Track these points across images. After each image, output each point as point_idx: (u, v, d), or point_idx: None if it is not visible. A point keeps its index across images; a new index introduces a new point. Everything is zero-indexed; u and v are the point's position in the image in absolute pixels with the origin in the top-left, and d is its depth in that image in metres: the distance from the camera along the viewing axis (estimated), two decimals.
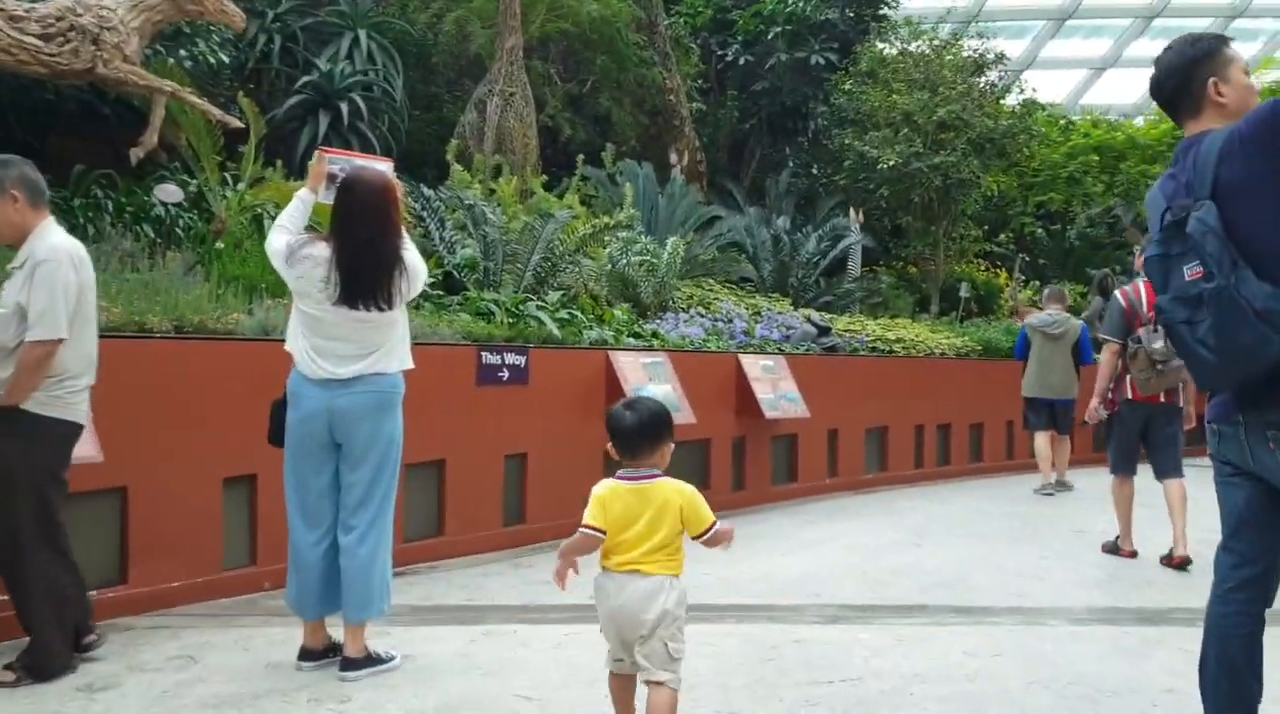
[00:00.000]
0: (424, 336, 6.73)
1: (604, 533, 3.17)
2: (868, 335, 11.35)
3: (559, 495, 7.30)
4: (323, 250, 4.12)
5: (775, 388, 8.95)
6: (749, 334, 10.13)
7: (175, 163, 8.41)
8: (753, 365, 8.87)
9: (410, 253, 4.24)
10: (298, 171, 9.28)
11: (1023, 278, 16.17)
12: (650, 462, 3.24)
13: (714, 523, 3.22)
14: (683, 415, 7.88)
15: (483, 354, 6.86)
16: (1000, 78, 14.33)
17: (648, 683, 3.19)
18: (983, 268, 16.41)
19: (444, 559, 6.54)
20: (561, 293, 8.93)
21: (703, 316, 10.47)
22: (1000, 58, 14.33)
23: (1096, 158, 19.90)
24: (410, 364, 4.42)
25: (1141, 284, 7.37)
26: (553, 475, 7.24)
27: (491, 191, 10.23)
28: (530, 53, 13.38)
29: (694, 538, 3.20)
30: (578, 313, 8.63)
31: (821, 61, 15.47)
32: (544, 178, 10.49)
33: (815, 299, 12.91)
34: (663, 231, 11.23)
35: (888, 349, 11.34)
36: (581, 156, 10.53)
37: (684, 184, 12.63)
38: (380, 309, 4.14)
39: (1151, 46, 29.53)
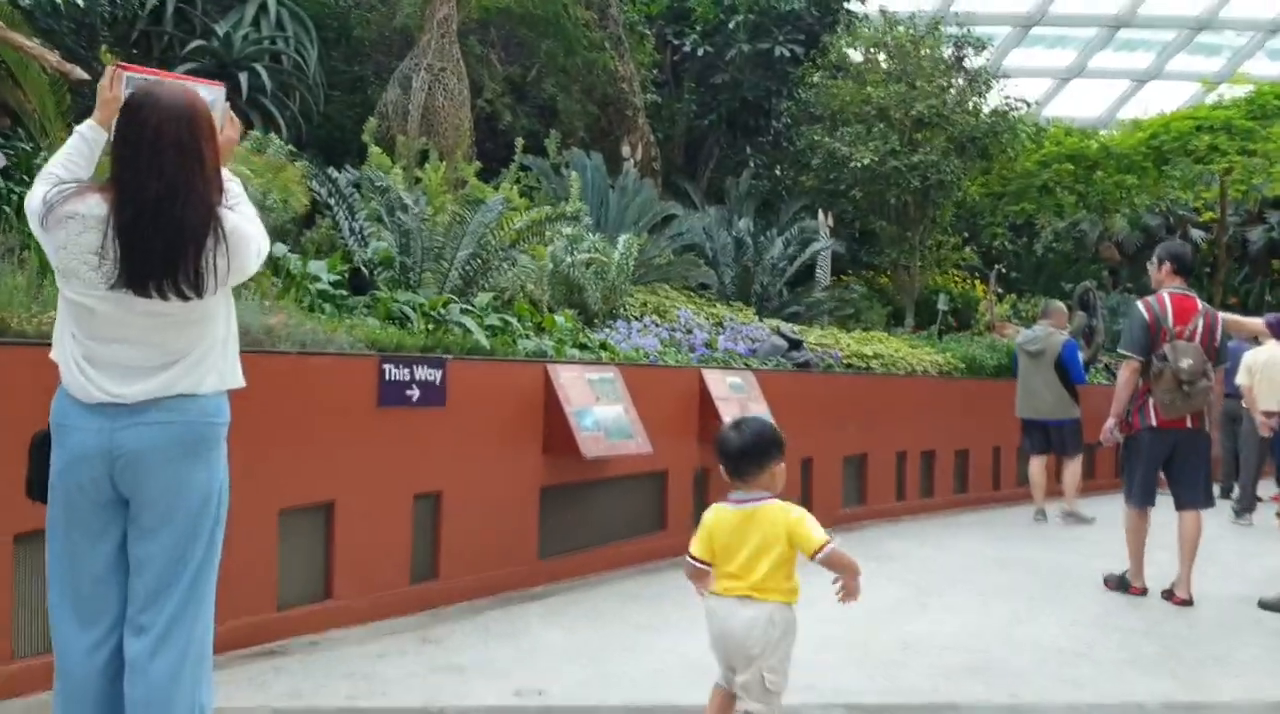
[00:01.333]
0: (316, 345, 5.31)
1: (707, 564, 3.17)
2: (842, 350, 10.07)
3: (483, 544, 5.88)
4: (96, 206, 2.70)
5: (744, 409, 7.59)
6: (710, 347, 8.80)
7: (20, 128, 6.89)
8: (719, 383, 7.54)
9: (235, 214, 2.83)
10: None
11: (999, 291, 15.03)
12: (759, 484, 3.20)
13: (826, 543, 3.11)
14: (636, 443, 6.51)
15: (386, 368, 5.43)
16: (985, 63, 13.15)
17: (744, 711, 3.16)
18: (958, 279, 15.24)
19: (332, 629, 5.10)
20: (494, 295, 7.53)
21: (658, 326, 9.12)
22: (982, 45, 13.17)
23: (1071, 167, 18.92)
24: (238, 381, 3.00)
25: (1167, 296, 6.45)
26: (476, 519, 5.83)
27: (417, 180, 8.82)
28: (468, 33, 11.99)
29: (810, 558, 3.11)
30: (512, 319, 7.23)
31: (786, 54, 14.23)
32: (478, 166, 9.09)
33: (781, 309, 11.62)
34: (613, 230, 9.88)
35: (864, 366, 10.07)
36: (521, 140, 9.14)
37: (638, 178, 11.28)
38: (183, 297, 2.72)
39: (1116, 58, 28.90)
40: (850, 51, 13.54)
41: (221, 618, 4.75)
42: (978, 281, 15.45)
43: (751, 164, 14.59)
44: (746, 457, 3.20)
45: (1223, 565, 7.44)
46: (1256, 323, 6.54)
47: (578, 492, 6.50)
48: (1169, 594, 6.37)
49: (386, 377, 5.42)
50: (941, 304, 12.70)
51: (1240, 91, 20.21)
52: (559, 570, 6.32)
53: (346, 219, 7.79)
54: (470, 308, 6.91)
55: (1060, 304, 10.62)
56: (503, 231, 7.84)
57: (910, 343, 11.34)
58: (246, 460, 4.85)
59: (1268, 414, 10.19)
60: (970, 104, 12.95)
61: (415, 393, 5.55)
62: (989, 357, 11.46)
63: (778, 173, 14.74)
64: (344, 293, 6.90)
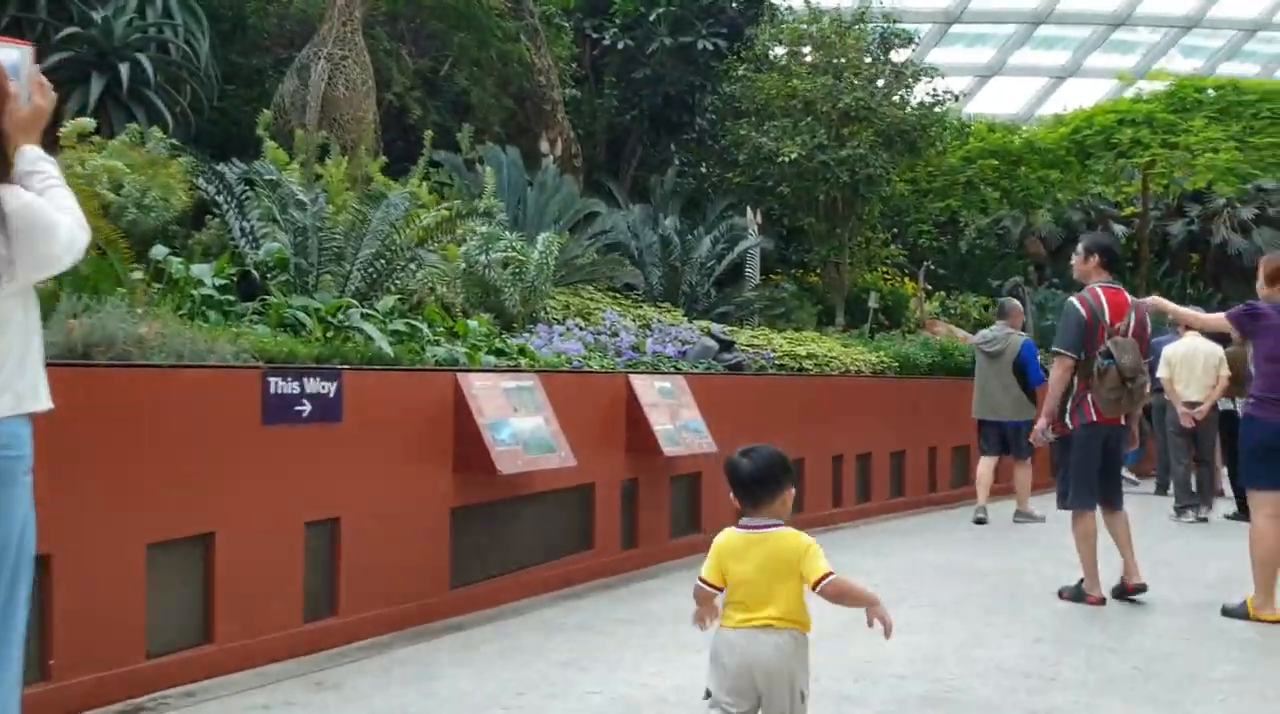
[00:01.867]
0: (195, 356, 4.68)
1: (719, 589, 3.11)
2: (774, 351, 9.64)
3: (387, 574, 5.29)
4: None
5: (675, 416, 7.11)
6: (638, 350, 8.28)
7: None
8: (647, 388, 7.02)
9: (29, 194, 2.22)
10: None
11: (928, 287, 14.76)
12: (771, 510, 3.14)
13: (829, 574, 3.03)
14: (559, 456, 5.96)
15: (271, 381, 4.81)
16: (911, 56, 12.83)
17: None
18: (888, 276, 14.94)
19: (213, 678, 4.46)
20: (399, 299, 6.92)
21: (582, 329, 8.57)
22: (909, 38, 12.86)
23: (995, 162, 18.82)
24: (41, 403, 2.39)
25: (1100, 289, 6.21)
26: (378, 547, 5.23)
27: (318, 177, 8.16)
28: (376, 24, 11.33)
29: (812, 588, 3.04)
30: (421, 325, 6.63)
31: (709, 48, 13.80)
32: (384, 161, 8.46)
33: (711, 309, 11.16)
34: (532, 229, 9.32)
35: (797, 367, 9.65)
36: (430, 132, 8.53)
37: (558, 174, 10.72)
38: None
39: (1034, 55, 29.09)
40: (775, 45, 13.15)
41: (77, 670, 4.14)
42: (907, 279, 15.17)
43: (676, 161, 14.13)
44: (759, 484, 3.13)
45: (1176, 569, 7.13)
46: (1215, 318, 6.21)
47: (494, 511, 5.93)
48: (1122, 590, 6.23)
49: (272, 390, 4.81)
50: (872, 302, 12.35)
51: (1157, 86, 20.31)
52: (473, 600, 5.74)
53: (237, 218, 7.12)
54: (372, 313, 6.30)
55: (1016, 303, 10.42)
56: (409, 230, 7.23)
57: (843, 342, 10.95)
58: (108, 489, 4.23)
59: (1189, 405, 10.04)
60: (898, 97, 12.63)
61: (306, 408, 4.94)
62: (922, 355, 11.13)
63: (704, 170, 14.30)
64: (231, 298, 6.24)
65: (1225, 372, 10.01)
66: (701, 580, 3.13)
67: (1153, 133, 18.43)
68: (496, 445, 5.58)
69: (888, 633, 3.04)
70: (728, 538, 3.15)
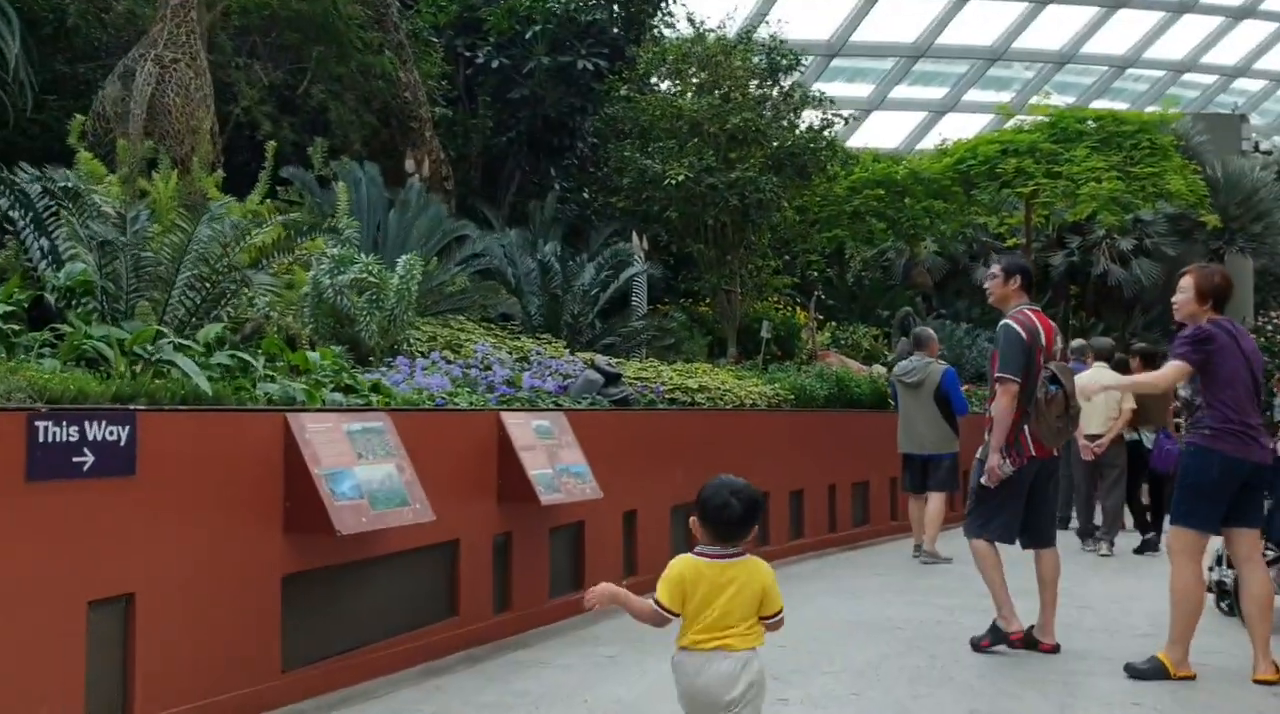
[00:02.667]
0: None
1: (677, 615, 3.19)
2: (664, 384, 8.88)
3: (199, 659, 4.30)
4: None
5: (554, 458, 6.25)
6: (514, 385, 7.42)
7: None
8: (521, 428, 6.15)
9: None
10: None
11: (819, 317, 14.24)
12: (739, 543, 3.22)
13: (781, 609, 3.26)
14: (413, 510, 5.04)
15: (38, 426, 3.82)
16: (799, 78, 12.31)
17: None
18: (779, 306, 14.36)
19: None
20: (225, 327, 5.93)
21: (450, 363, 7.68)
22: (796, 62, 12.36)
23: (881, 192, 18.53)
24: None
25: (1029, 312, 5.86)
26: (187, 628, 4.24)
27: (144, 193, 7.14)
28: (224, 35, 10.33)
29: (762, 618, 3.21)
30: (253, 358, 5.66)
31: (589, 68, 13.09)
32: (221, 176, 7.47)
33: (595, 341, 10.36)
34: (394, 253, 8.40)
35: (689, 400, 8.91)
36: (273, 143, 7.55)
37: (424, 192, 9.81)
38: None
39: (912, 90, 29.35)
40: (659, 65, 12.51)
41: None
42: (799, 308, 14.62)
43: (557, 186, 13.34)
44: (743, 524, 3.23)
45: (1102, 615, 6.54)
46: (1172, 372, 5.33)
47: (335, 577, 4.97)
48: (1030, 641, 5.74)
49: (40, 438, 3.81)
50: (764, 332, 11.72)
51: (1038, 119, 20.36)
52: (311, 684, 4.76)
53: (35, 236, 6.07)
54: (189, 344, 5.31)
55: (930, 332, 9.99)
56: (238, 248, 6.26)
57: (736, 374, 10.27)
58: None
59: (1090, 437, 9.71)
60: (786, 120, 12.10)
61: (88, 459, 3.95)
62: (819, 386, 10.52)
63: (586, 196, 13.53)
64: (16, 328, 5.20)
65: (1129, 405, 9.67)
66: (660, 605, 3.21)
67: (1036, 163, 18.37)
68: (335, 500, 4.65)
69: (772, 629, 3.27)
70: (691, 565, 3.21)
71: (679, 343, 11.46)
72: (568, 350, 9.37)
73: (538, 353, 8.68)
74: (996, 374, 5.77)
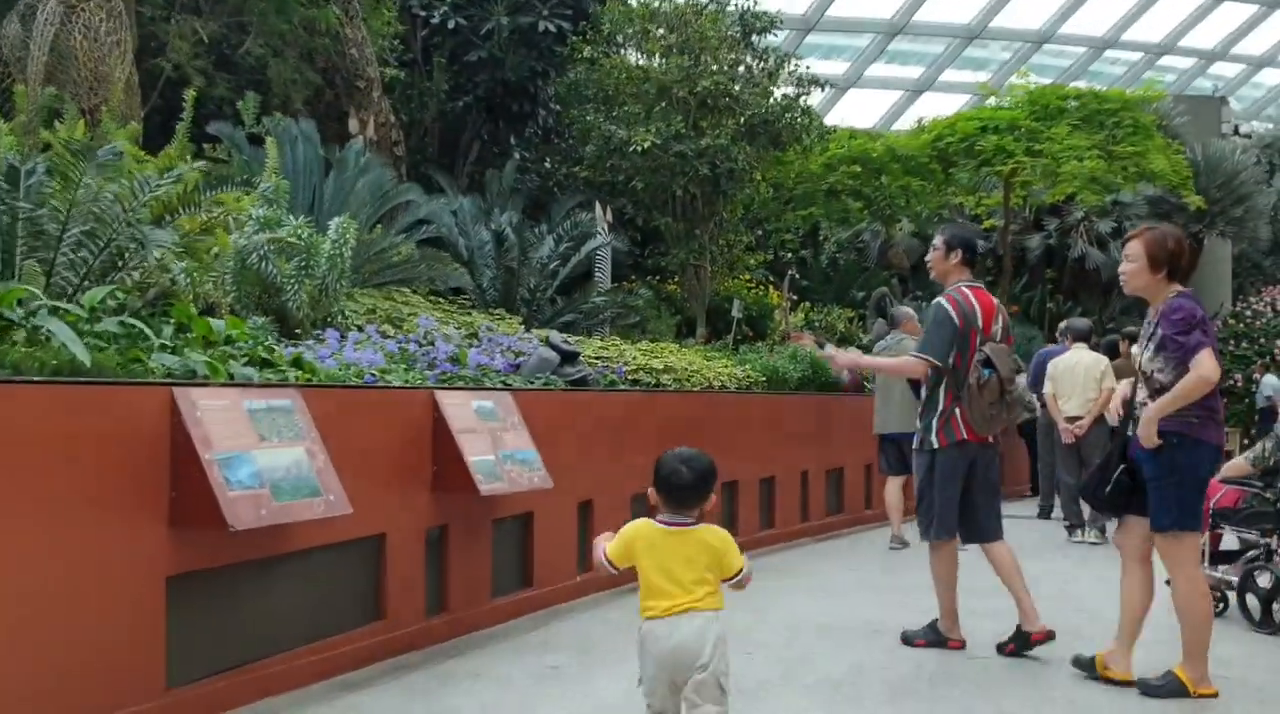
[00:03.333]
0: None
1: (618, 570, 3.41)
2: (627, 364, 8.23)
3: (63, 676, 3.60)
4: None
5: (498, 443, 5.57)
6: (458, 362, 6.73)
7: None
8: (460, 409, 5.47)
9: None
10: None
11: (793, 297, 13.61)
12: (695, 512, 3.33)
13: (743, 568, 3.36)
14: (324, 501, 4.36)
15: None
16: (775, 43, 11.62)
17: None
18: (751, 285, 13.71)
19: None
20: (122, 291, 5.22)
21: (387, 338, 6.99)
22: (773, 23, 11.68)
23: (858, 168, 17.91)
24: None
25: (968, 290, 5.44)
26: (44, 641, 3.55)
27: (46, 147, 6.38)
28: None
29: (724, 581, 3.32)
30: (147, 326, 4.94)
31: (552, 29, 12.35)
32: (135, 129, 6.74)
33: (554, 318, 9.69)
34: (329, 217, 7.67)
35: (654, 382, 8.26)
36: (192, 92, 6.79)
37: (367, 153, 9.05)
38: None
39: (889, 69, 28.75)
40: (625, 25, 11.78)
41: None
42: (771, 287, 13.99)
43: (517, 155, 12.61)
44: (694, 490, 3.32)
45: (1098, 616, 5.93)
46: (1208, 370, 4.59)
47: (232, 578, 4.28)
48: (1024, 641, 5.25)
49: None
50: (735, 311, 11.07)
51: (1019, 96, 19.80)
52: (202, 702, 4.08)
53: None
54: (70, 308, 4.59)
55: (909, 310, 9.57)
56: (141, 202, 5.54)
57: (705, 355, 9.62)
58: None
59: (1070, 420, 9.34)
60: (761, 85, 11.43)
61: None
62: (792, 368, 9.89)
63: (548, 166, 12.81)
64: None
65: (1109, 383, 9.19)
66: (608, 559, 3.39)
67: (1016, 140, 17.81)
68: (229, 489, 3.96)
69: (737, 588, 3.36)
70: (646, 528, 3.34)
71: (644, 321, 10.80)
72: (523, 327, 8.70)
73: (488, 328, 7.99)
74: (916, 350, 5.48)
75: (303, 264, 6.83)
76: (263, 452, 4.17)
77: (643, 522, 3.38)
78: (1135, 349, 4.98)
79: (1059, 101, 17.95)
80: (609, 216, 10.86)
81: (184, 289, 6.36)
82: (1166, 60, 29.37)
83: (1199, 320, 4.43)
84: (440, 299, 8.97)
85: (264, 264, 6.66)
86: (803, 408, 9.73)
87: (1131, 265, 4.59)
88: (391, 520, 5.05)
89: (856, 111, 27.45)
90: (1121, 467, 4.63)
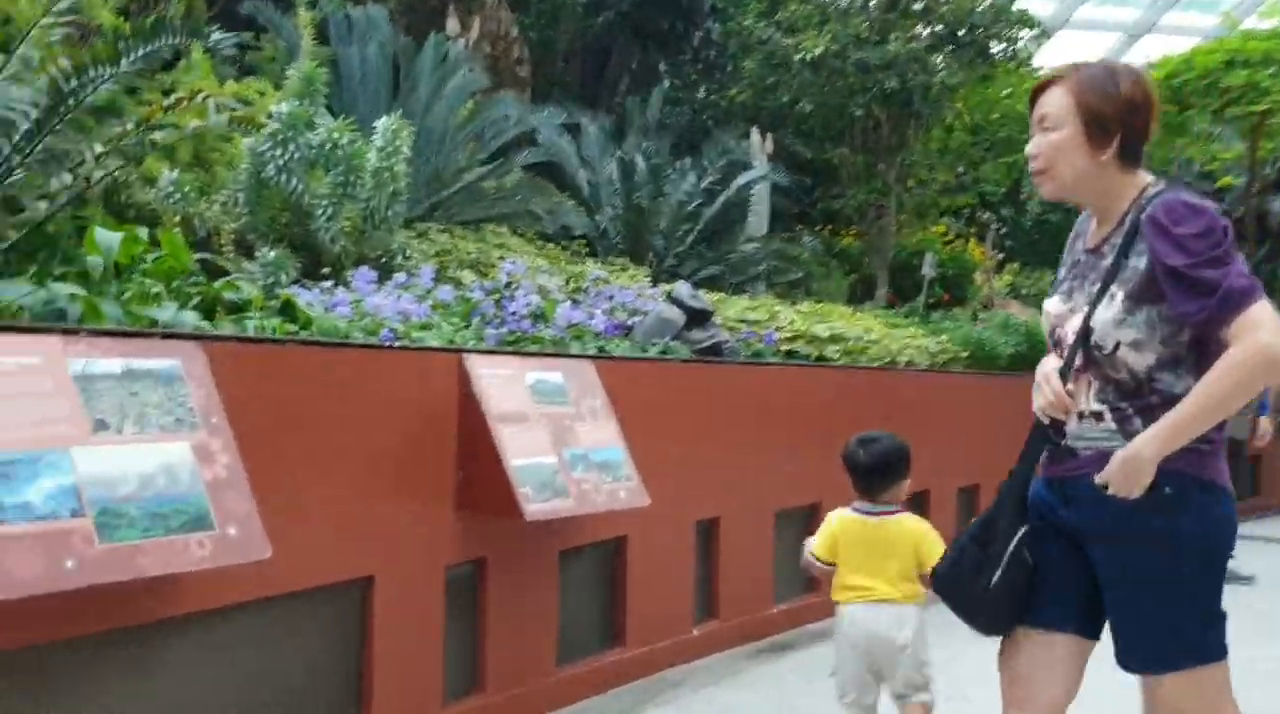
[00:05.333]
0: None
1: (831, 565, 3.23)
2: (780, 329, 6.21)
3: None
4: None
5: (562, 437, 3.64)
6: (542, 319, 4.87)
7: None
8: (504, 384, 3.55)
9: None
10: None
11: (998, 255, 11.22)
12: (886, 498, 3.23)
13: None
14: (224, 539, 2.51)
15: None
16: None
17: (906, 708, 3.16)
18: (947, 238, 11.36)
19: None
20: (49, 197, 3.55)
21: (461, 286, 5.21)
22: None
23: None
24: None
25: None
26: None
27: (6, 20, 4.82)
28: None
29: (927, 573, 2.95)
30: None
31: None
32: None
33: (695, 272, 7.70)
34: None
35: (816, 354, 6.20)
36: None
37: (461, 54, 7.19)
38: None
39: (1102, 11, 25.51)
40: None
41: None
42: (972, 242, 11.59)
43: (666, 83, 10.63)
44: (877, 475, 3.22)
45: None
46: None
47: (98, 654, 2.50)
48: None
49: None
50: (927, 268, 8.82)
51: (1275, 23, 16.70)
52: None
53: None
54: None
55: None
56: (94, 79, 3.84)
57: (887, 321, 7.47)
58: None
59: None
60: None
61: None
62: (1003, 341, 7.63)
63: (701, 95, 10.78)
64: None
65: None
66: (814, 556, 3.25)
67: (1274, 77, 14.78)
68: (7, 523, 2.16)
69: None
70: (842, 521, 3.24)
71: (809, 278, 8.68)
72: (650, 280, 6.77)
73: (598, 279, 6.08)
74: None
75: (340, 181, 5.08)
76: (95, 449, 2.36)
77: (842, 511, 3.26)
78: (1054, 303, 2.45)
79: None
80: (769, 146, 8.77)
81: (171, 207, 4.70)
82: None
83: (1227, 237, 2.16)
84: (549, 244, 7.13)
85: (285, 178, 4.94)
86: (1019, 394, 7.46)
87: (1054, 135, 2.28)
88: (384, 556, 3.20)
89: (1066, 57, 24.34)
90: (1023, 532, 2.33)
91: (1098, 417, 2.25)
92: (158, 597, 2.54)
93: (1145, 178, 2.29)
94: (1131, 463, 2.15)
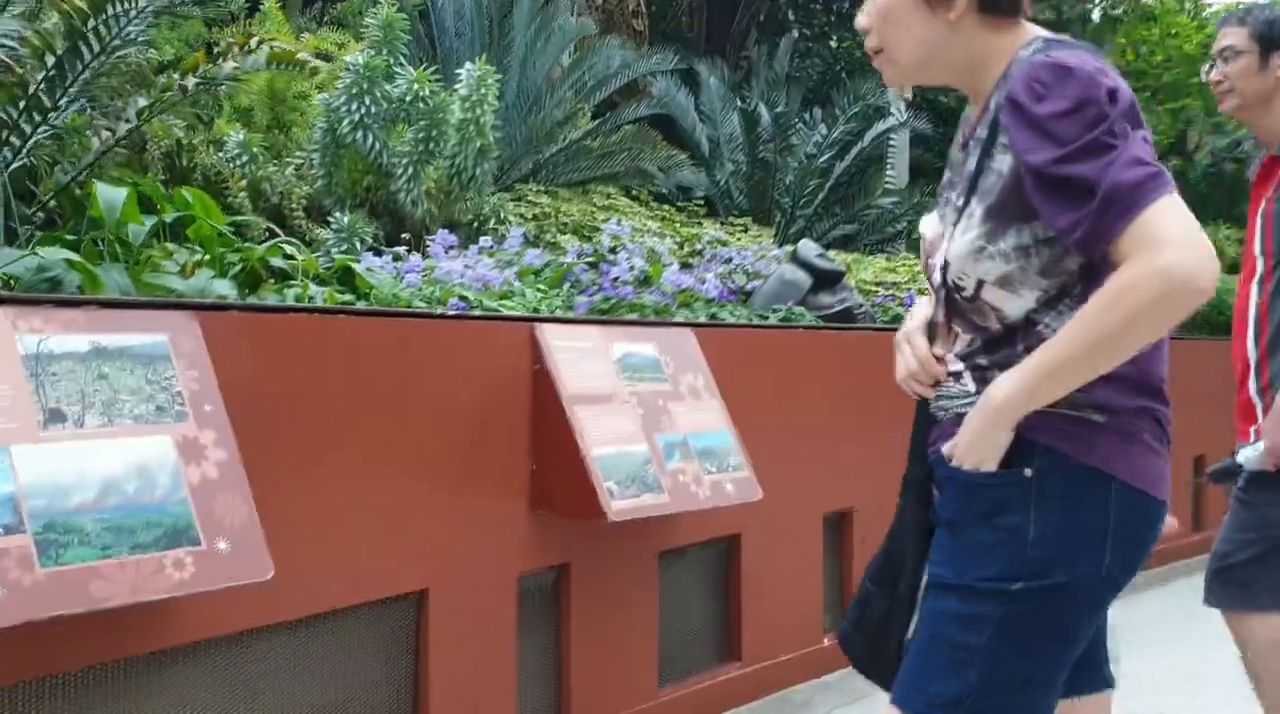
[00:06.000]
0: None
1: None
2: (921, 292, 5.49)
3: None
4: None
5: (658, 422, 3.07)
6: (649, 282, 4.31)
7: None
8: (585, 359, 3.00)
9: None
10: None
11: None
12: None
13: None
14: (212, 556, 2.03)
15: None
16: None
17: None
18: None
19: None
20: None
21: (554, 248, 4.70)
22: None
23: None
24: None
25: None
26: None
27: None
28: None
29: None
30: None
31: None
32: None
33: (829, 231, 7.01)
34: (508, 92, 5.41)
35: None
36: None
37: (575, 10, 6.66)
38: None
39: None
40: None
41: None
42: None
43: (795, 32, 9.89)
44: None
45: None
46: None
47: (86, 687, 2.06)
48: None
49: None
50: None
51: None
52: None
53: None
54: None
55: None
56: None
57: None
58: None
59: None
60: None
61: None
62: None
63: (833, 45, 10.00)
64: None
65: None
66: None
67: None
68: None
69: None
70: None
71: None
72: (775, 242, 6.12)
73: (713, 240, 5.47)
74: None
75: (422, 137, 4.60)
76: (40, 449, 1.90)
77: None
78: (929, 222, 1.70)
79: None
80: (908, 92, 7.99)
81: (238, 171, 4.30)
82: None
83: (1115, 105, 1.44)
84: (664, 205, 6.55)
85: (361, 136, 4.48)
86: (1200, 358, 6.55)
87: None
88: (440, 566, 2.69)
89: None
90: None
91: (956, 377, 1.62)
92: (134, 628, 2.07)
93: (1024, 34, 1.56)
94: (977, 417, 1.50)
